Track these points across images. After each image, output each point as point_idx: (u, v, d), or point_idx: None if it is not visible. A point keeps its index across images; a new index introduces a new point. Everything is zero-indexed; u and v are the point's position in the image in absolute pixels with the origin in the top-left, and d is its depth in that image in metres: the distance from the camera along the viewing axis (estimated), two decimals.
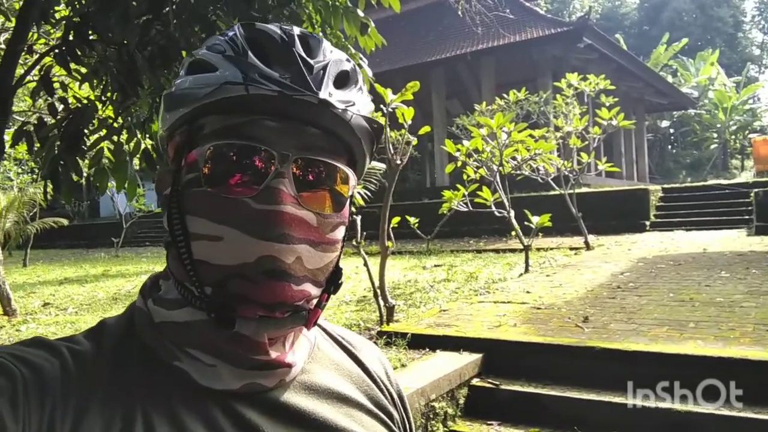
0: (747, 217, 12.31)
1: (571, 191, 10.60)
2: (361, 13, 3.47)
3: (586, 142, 10.59)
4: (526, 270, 8.05)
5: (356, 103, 0.62)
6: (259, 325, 0.58)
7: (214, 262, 0.58)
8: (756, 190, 12.00)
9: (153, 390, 0.58)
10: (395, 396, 0.76)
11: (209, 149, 0.59)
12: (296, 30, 0.63)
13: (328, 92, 0.59)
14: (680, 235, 11.85)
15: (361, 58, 3.75)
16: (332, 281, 0.66)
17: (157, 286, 0.67)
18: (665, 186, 16.22)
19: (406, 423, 0.76)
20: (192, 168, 0.61)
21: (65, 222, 17.56)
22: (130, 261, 15.52)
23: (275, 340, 0.62)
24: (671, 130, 37.74)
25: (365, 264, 5.36)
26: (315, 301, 0.64)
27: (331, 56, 0.63)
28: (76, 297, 8.95)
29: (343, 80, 0.64)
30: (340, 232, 0.65)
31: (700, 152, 34.85)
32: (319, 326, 0.76)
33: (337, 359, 0.73)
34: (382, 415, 0.71)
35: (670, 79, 30.01)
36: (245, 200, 0.58)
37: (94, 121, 3.43)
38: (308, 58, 0.60)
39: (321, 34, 3.74)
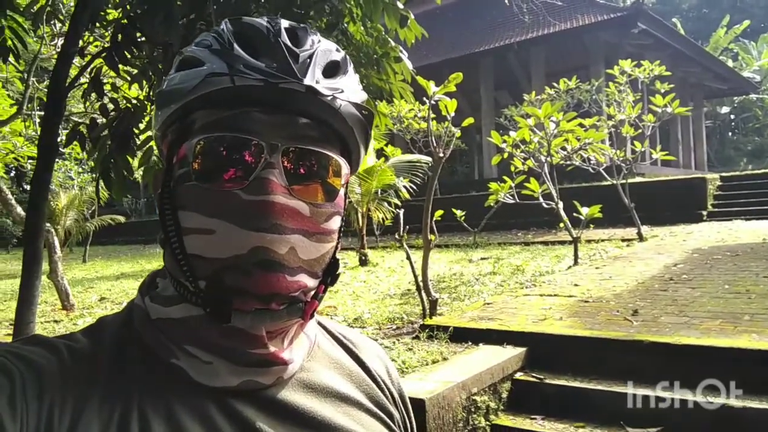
0: None
1: (624, 181, 10.32)
2: (401, 5, 3.46)
3: (640, 131, 10.29)
4: (575, 262, 7.90)
5: (345, 91, 0.62)
6: (255, 318, 0.58)
7: (207, 256, 0.58)
8: None
9: (150, 387, 0.58)
10: (396, 395, 0.75)
11: (198, 143, 0.59)
12: (284, 22, 0.63)
13: (315, 80, 0.59)
14: (739, 224, 11.37)
15: (401, 51, 3.75)
16: (329, 272, 0.65)
17: (155, 283, 0.67)
18: (723, 174, 15.59)
19: (407, 422, 0.75)
20: (183, 163, 0.61)
21: (122, 219, 18.20)
22: None
23: (274, 334, 0.62)
24: (732, 116, 36.15)
25: (408, 257, 5.37)
26: (312, 293, 0.63)
27: (319, 45, 0.63)
28: (132, 292, 9.20)
29: (333, 70, 0.63)
30: (335, 222, 0.64)
31: (763, 139, 33.29)
32: (320, 324, 0.76)
33: (337, 358, 0.73)
34: (382, 415, 0.70)
35: (730, 63, 28.76)
36: (235, 192, 0.57)
37: (143, 121, 3.55)
38: (294, 48, 0.60)
39: (361, 27, 3.76)
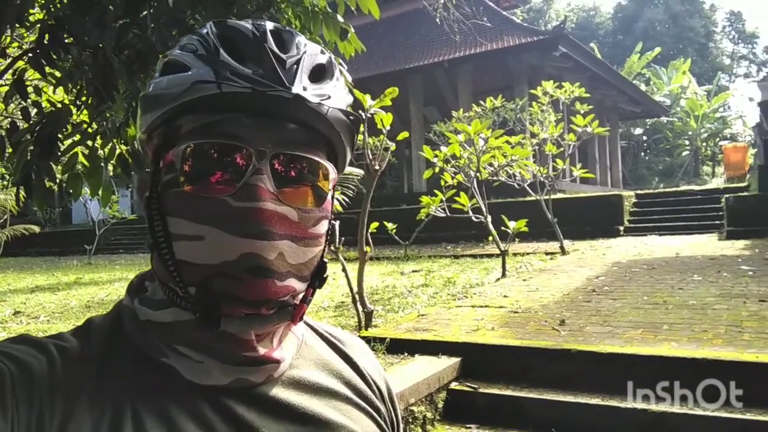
0: (718, 222, 12.56)
1: (547, 197, 10.71)
2: (340, 19, 3.47)
3: (562, 149, 10.72)
4: (503, 275, 8.11)
5: (332, 96, 0.62)
6: (245, 323, 0.59)
7: (196, 262, 0.58)
8: (726, 195, 12.28)
9: (142, 386, 0.58)
10: (384, 391, 0.76)
11: (185, 149, 0.59)
12: (269, 25, 0.63)
13: (302, 86, 0.59)
14: (653, 239, 12.04)
15: (340, 64, 3.76)
16: (317, 275, 0.66)
17: (144, 286, 0.67)
18: (638, 192, 16.49)
19: (393, 417, 0.76)
20: (170, 169, 0.60)
21: (36, 229, 17.26)
22: (104, 268, 15.26)
23: (263, 336, 0.62)
24: (644, 138, 38.38)
25: (343, 269, 5.36)
26: (301, 296, 0.63)
27: (305, 49, 0.63)
28: (48, 305, 8.77)
29: (319, 73, 0.63)
30: (322, 226, 0.65)
31: (672, 159, 35.48)
32: (307, 324, 0.76)
33: (325, 355, 0.73)
34: (370, 409, 0.71)
35: (643, 87, 30.51)
36: (224, 198, 0.57)
37: (68, 126, 3.38)
38: (281, 53, 0.60)
39: None
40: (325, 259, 0.68)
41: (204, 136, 0.59)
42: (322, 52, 0.65)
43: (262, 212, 0.57)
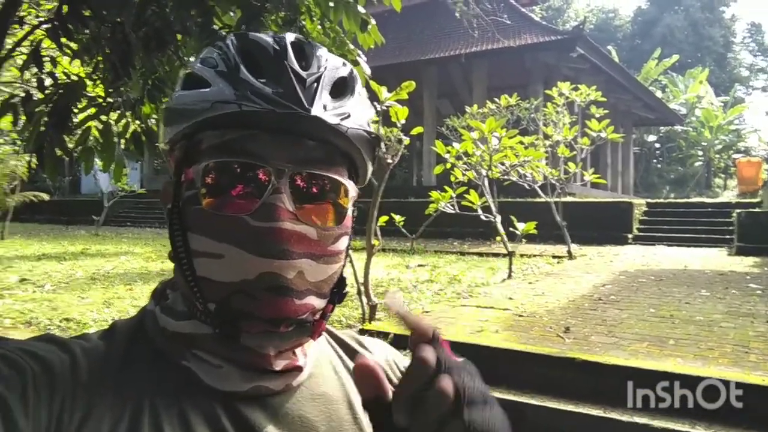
0: (728, 237, 12.46)
1: (557, 200, 10.65)
2: (362, 10, 3.41)
3: (575, 152, 10.64)
4: (509, 276, 8.06)
5: (352, 115, 0.62)
6: (264, 339, 0.59)
7: (216, 279, 0.59)
8: (738, 210, 12.15)
9: (161, 387, 0.59)
10: None
11: (205, 167, 0.60)
12: (290, 37, 0.63)
13: (323, 105, 0.59)
14: (662, 250, 11.96)
15: (359, 55, 3.69)
16: (336, 290, 0.66)
17: (165, 294, 0.67)
18: (649, 201, 16.39)
19: None
20: (190, 185, 0.61)
21: (46, 197, 17.23)
22: (110, 240, 15.32)
23: (283, 352, 0.63)
24: (657, 145, 38.11)
25: (350, 261, 5.32)
26: (320, 313, 0.63)
27: (326, 64, 0.63)
28: (54, 274, 8.82)
29: (340, 88, 0.63)
30: (342, 243, 0.65)
31: (685, 169, 35.26)
32: (326, 331, 0.76)
33: (346, 365, 0.73)
34: None
35: (659, 94, 30.29)
36: (243, 217, 0.58)
37: (82, 99, 3.35)
38: (301, 71, 0.60)
39: (319, 26, 3.68)
40: (344, 276, 0.68)
41: (223, 153, 0.60)
42: (344, 65, 0.65)
43: (281, 232, 0.58)
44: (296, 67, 0.60)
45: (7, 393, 0.51)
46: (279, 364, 0.62)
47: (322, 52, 0.64)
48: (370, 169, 0.69)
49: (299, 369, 0.64)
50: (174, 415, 0.57)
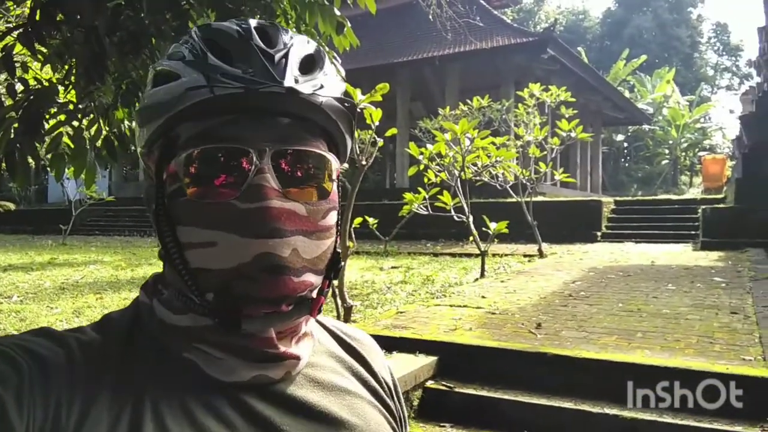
0: (693, 232, 12.79)
1: (528, 199, 10.80)
2: (337, 12, 3.45)
3: (545, 152, 10.82)
4: (482, 275, 8.18)
5: (325, 86, 0.62)
6: (265, 322, 0.60)
7: (212, 268, 0.59)
8: (703, 207, 12.50)
9: (161, 380, 0.58)
10: (392, 388, 0.78)
11: (185, 158, 0.60)
12: (253, 22, 0.63)
13: (294, 78, 0.60)
14: (630, 246, 12.22)
15: (334, 57, 3.74)
16: (331, 267, 0.66)
17: (159, 288, 0.67)
18: (617, 198, 16.73)
19: (401, 413, 0.78)
20: (174, 179, 0.61)
21: (11, 206, 16.91)
22: (79, 250, 15.05)
23: (282, 335, 0.63)
24: (625, 144, 38.86)
25: None
26: (317, 290, 0.64)
27: (292, 42, 0.63)
28: (21, 285, 8.64)
29: (309, 64, 0.63)
30: (332, 218, 0.65)
31: (652, 167, 35.99)
32: (319, 322, 0.77)
33: (338, 353, 0.74)
34: (381, 407, 0.72)
35: (627, 94, 30.89)
36: (231, 202, 0.58)
37: (54, 105, 3.33)
38: (268, 49, 0.60)
39: (295, 30, 3.72)
40: (338, 250, 0.68)
41: (202, 141, 0.59)
42: (309, 42, 0.65)
43: (270, 211, 0.58)
44: (262, 45, 0.61)
45: (2, 390, 0.50)
46: (281, 347, 0.62)
47: (286, 32, 0.64)
48: (350, 143, 0.70)
49: (297, 358, 0.64)
50: (176, 407, 0.57)
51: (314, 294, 0.64)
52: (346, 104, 0.64)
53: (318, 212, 0.62)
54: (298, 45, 0.63)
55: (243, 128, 0.59)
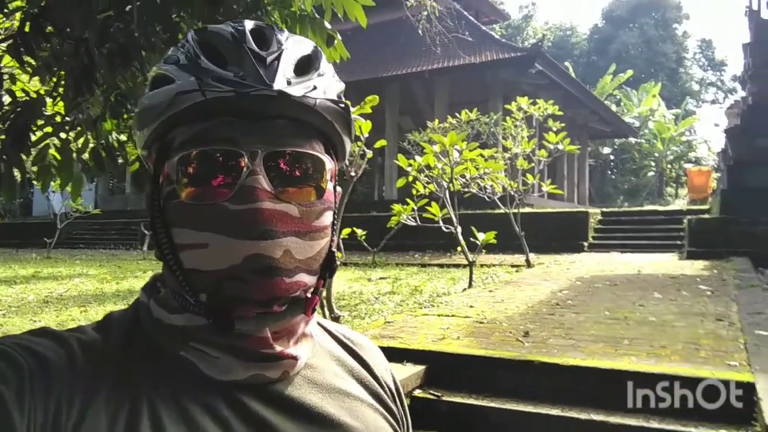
0: (679, 242, 12.92)
1: (516, 211, 10.89)
2: (328, 25, 3.49)
3: (533, 165, 10.92)
4: (470, 285, 8.21)
5: (318, 87, 0.62)
6: (258, 322, 0.60)
7: (204, 269, 0.59)
8: (688, 217, 12.64)
9: (159, 380, 0.59)
10: (394, 391, 0.77)
11: (178, 160, 0.60)
12: (249, 24, 0.63)
13: (286, 80, 0.60)
14: (616, 256, 12.31)
15: None
16: (326, 266, 0.66)
17: (157, 287, 0.68)
18: (604, 210, 16.86)
19: (404, 418, 0.77)
20: (168, 181, 0.62)
21: None
22: (63, 263, 14.94)
23: (279, 334, 0.63)
24: (612, 157, 39.20)
25: None
26: (312, 289, 0.65)
27: (287, 43, 0.63)
28: (4, 299, 8.55)
29: (304, 65, 0.63)
30: (327, 218, 0.65)
31: (638, 179, 36.32)
32: (321, 325, 0.77)
33: (339, 355, 0.74)
34: (383, 410, 0.72)
35: (614, 108, 31.19)
36: (222, 204, 0.58)
37: (42, 117, 3.33)
38: (260, 51, 0.61)
39: None
40: (333, 249, 0.68)
41: (195, 144, 0.60)
42: (305, 43, 0.66)
43: (261, 212, 0.58)
44: (255, 48, 0.60)
45: (4, 389, 0.50)
46: (278, 347, 0.62)
47: (283, 33, 0.64)
48: (348, 144, 0.69)
49: (294, 358, 0.64)
50: (173, 406, 0.57)
51: (308, 293, 0.64)
52: (341, 105, 0.64)
53: (312, 213, 0.62)
54: (294, 46, 0.63)
55: (235, 131, 0.59)
